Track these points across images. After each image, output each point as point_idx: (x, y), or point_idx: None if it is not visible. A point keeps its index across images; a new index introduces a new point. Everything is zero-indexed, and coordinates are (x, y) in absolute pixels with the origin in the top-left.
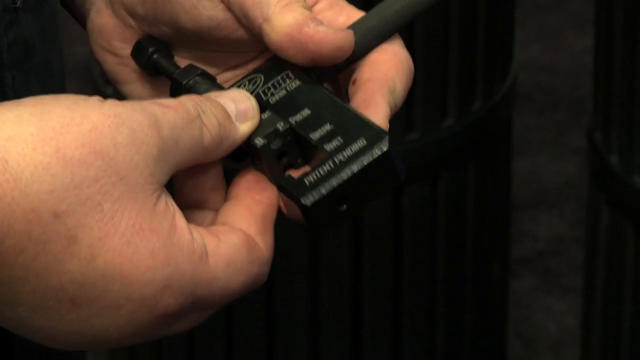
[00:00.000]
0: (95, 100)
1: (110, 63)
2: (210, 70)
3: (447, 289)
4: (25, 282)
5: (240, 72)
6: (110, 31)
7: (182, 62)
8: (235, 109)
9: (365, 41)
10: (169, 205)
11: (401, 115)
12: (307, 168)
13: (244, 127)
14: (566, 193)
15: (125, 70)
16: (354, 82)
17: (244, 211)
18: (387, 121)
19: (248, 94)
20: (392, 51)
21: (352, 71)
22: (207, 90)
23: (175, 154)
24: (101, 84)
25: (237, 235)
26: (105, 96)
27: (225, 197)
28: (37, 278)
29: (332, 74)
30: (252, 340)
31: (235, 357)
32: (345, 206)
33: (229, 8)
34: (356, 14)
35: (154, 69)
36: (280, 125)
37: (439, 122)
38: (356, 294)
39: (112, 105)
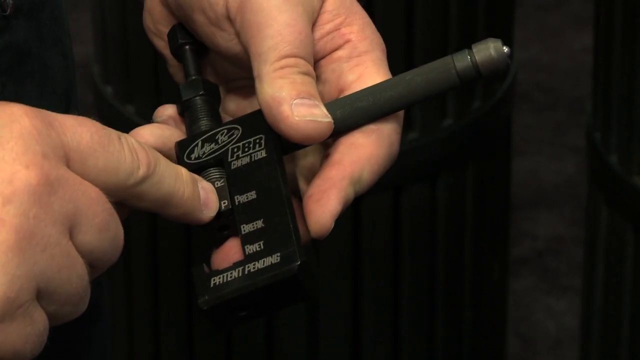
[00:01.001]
0: None
1: (158, 46)
2: (226, 73)
3: (447, 288)
4: None
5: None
6: (157, 16)
7: (213, 56)
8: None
9: (352, 119)
10: None
11: None
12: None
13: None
14: (565, 193)
15: (169, 54)
16: (326, 156)
17: None
18: (333, 220)
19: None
20: (376, 135)
21: (330, 143)
22: (198, 119)
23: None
24: (101, 84)
25: None
26: (105, 96)
27: None
28: None
29: (306, 146)
30: (251, 340)
31: (235, 358)
32: (245, 313)
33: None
34: (370, 77)
35: (180, 59)
36: (224, 205)
37: (438, 122)
38: (356, 294)
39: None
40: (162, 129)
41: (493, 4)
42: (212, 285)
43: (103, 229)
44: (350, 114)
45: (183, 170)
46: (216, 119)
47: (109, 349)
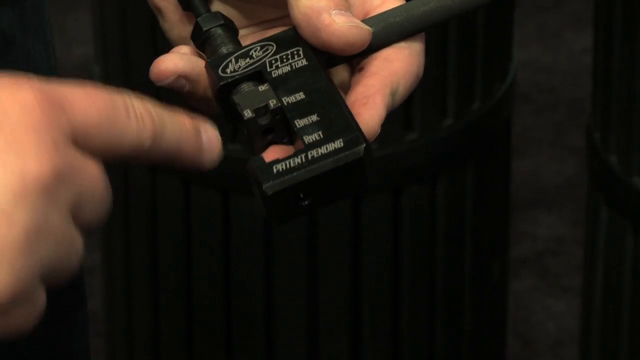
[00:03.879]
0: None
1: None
2: (242, 20)
3: (446, 288)
4: None
5: (270, 28)
6: None
7: (217, 5)
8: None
9: (385, 36)
10: None
11: (400, 115)
12: (291, 148)
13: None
14: (565, 193)
15: (168, 7)
16: (360, 70)
17: None
18: (380, 124)
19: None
20: (408, 52)
21: (363, 58)
22: (223, 44)
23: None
24: (101, 84)
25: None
26: None
27: None
28: None
29: (344, 60)
30: (251, 340)
31: (235, 358)
32: (306, 202)
33: None
34: (395, 2)
35: (187, 5)
36: (272, 103)
37: (438, 122)
38: (355, 294)
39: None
40: (188, 54)
41: (492, 4)
42: (275, 171)
43: (101, 202)
44: (384, 30)
45: (186, 120)
46: (240, 46)
47: (88, 336)
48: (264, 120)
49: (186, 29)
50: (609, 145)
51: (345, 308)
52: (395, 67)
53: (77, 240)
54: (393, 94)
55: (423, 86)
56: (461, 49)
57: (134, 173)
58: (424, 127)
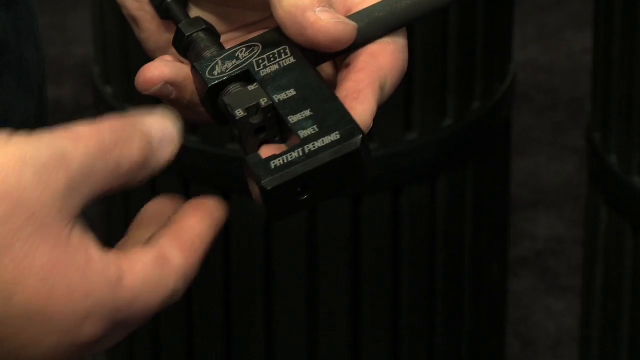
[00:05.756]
0: (2, 138)
1: (131, 8)
2: (222, 26)
3: (446, 289)
4: None
5: (250, 32)
6: None
7: (196, 12)
8: (161, 134)
9: (369, 31)
10: (83, 236)
11: (400, 115)
12: (283, 147)
13: (167, 153)
14: (565, 193)
15: (144, 16)
16: (346, 66)
17: (172, 234)
18: (372, 118)
19: (173, 120)
20: (393, 47)
21: (349, 54)
22: (207, 48)
23: (87, 185)
24: (101, 84)
25: (149, 253)
26: (104, 96)
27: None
28: None
29: (330, 57)
30: (251, 341)
31: (234, 358)
32: (305, 196)
33: None
34: None
35: (166, 14)
36: (263, 101)
37: (438, 122)
38: (355, 294)
39: (17, 144)
40: (172, 60)
41: (492, 4)
42: (272, 167)
43: None
44: (368, 25)
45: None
46: (225, 49)
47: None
48: (255, 120)
49: (163, 38)
50: (609, 145)
51: (345, 308)
52: (382, 62)
53: None
54: (382, 88)
55: (423, 86)
56: (461, 49)
57: None
58: (424, 127)
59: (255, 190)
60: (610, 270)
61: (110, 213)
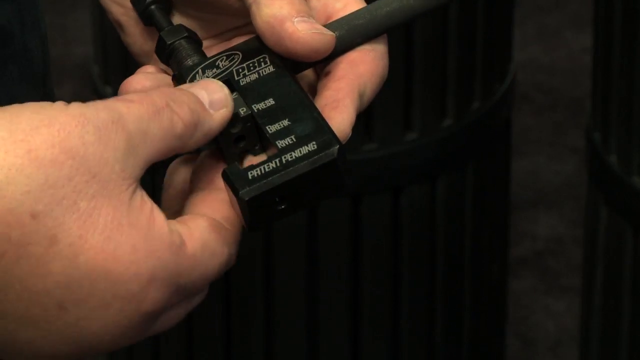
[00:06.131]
0: (60, 104)
1: (116, 13)
2: (204, 31)
3: (446, 289)
4: (9, 289)
5: (233, 37)
6: None
7: (179, 18)
8: (209, 98)
9: (349, 38)
10: (144, 199)
11: (400, 116)
12: (263, 156)
13: (219, 115)
14: (565, 193)
15: (129, 21)
16: (326, 74)
17: (206, 199)
18: (351, 127)
19: (221, 84)
20: (373, 54)
21: (329, 62)
22: (188, 56)
23: (145, 146)
24: (100, 84)
25: (203, 219)
26: (104, 96)
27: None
28: (21, 284)
29: (309, 66)
30: (250, 340)
31: (234, 358)
32: (283, 206)
33: None
34: (357, 5)
35: (149, 20)
36: (242, 111)
37: (437, 122)
38: (355, 295)
39: (76, 106)
40: (154, 72)
41: (492, 4)
42: (250, 177)
43: None
44: (348, 33)
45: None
46: (206, 57)
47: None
48: (235, 129)
49: (148, 43)
50: (608, 145)
51: (345, 308)
52: (362, 70)
53: None
54: (361, 96)
55: (423, 86)
56: (461, 49)
57: None
58: (423, 127)
59: (233, 200)
60: (610, 270)
61: None
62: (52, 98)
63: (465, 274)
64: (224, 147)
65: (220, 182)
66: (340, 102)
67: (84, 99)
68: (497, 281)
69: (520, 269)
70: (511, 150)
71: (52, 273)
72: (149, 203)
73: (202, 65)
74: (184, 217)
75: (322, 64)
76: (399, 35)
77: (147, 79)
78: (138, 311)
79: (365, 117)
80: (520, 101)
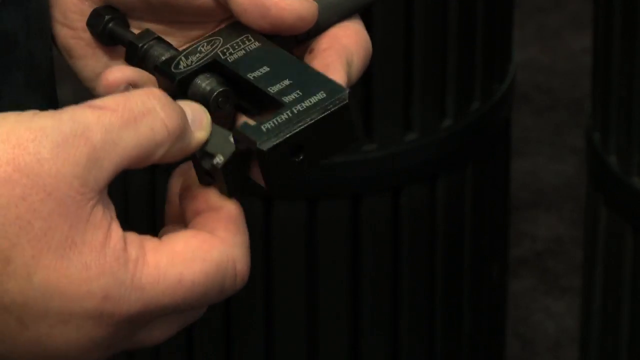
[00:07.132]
0: (27, 114)
1: (65, 37)
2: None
3: (446, 289)
4: None
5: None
6: (67, 3)
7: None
8: (192, 116)
9: (327, 15)
10: (105, 214)
11: (399, 116)
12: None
13: (199, 135)
14: (565, 193)
15: (79, 44)
16: (310, 51)
17: (188, 212)
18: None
19: (204, 109)
20: (353, 28)
21: (310, 42)
22: (166, 50)
23: (113, 156)
24: None
25: (187, 232)
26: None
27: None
28: None
29: (291, 45)
30: (250, 340)
31: (234, 358)
32: (301, 157)
33: None
34: None
35: (110, 37)
36: (216, 161)
37: (437, 123)
38: (355, 294)
39: (41, 118)
40: (130, 67)
41: (492, 4)
42: (264, 130)
43: None
44: (324, 10)
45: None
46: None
47: None
48: (206, 165)
49: (100, 64)
50: (608, 146)
51: (345, 308)
52: (345, 42)
53: None
54: (349, 64)
55: (422, 86)
56: (461, 50)
57: (133, 173)
58: (423, 128)
59: (247, 168)
60: (610, 271)
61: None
62: (56, 104)
63: (465, 274)
64: (195, 167)
65: (206, 195)
66: (330, 66)
67: (83, 99)
68: (497, 281)
69: (520, 270)
70: (511, 150)
71: (9, 292)
72: (108, 218)
73: (184, 53)
74: (164, 229)
75: (304, 41)
76: (399, 35)
77: (128, 69)
78: (99, 326)
79: (365, 117)
80: (520, 101)
